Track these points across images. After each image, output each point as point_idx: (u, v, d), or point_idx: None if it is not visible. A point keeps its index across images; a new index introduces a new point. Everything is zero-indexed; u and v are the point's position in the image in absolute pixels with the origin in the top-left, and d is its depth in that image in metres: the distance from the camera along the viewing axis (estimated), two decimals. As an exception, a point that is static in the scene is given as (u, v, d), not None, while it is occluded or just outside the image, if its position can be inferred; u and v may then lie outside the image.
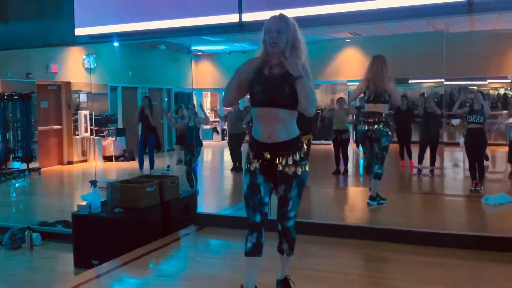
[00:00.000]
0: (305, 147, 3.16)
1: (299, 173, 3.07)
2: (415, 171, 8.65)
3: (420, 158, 8.51)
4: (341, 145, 8.64)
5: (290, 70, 2.95)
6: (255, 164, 3.10)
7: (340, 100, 8.96)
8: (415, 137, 8.96)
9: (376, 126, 5.91)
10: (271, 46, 3.00)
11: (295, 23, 3.05)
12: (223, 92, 3.25)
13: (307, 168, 3.13)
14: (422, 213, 6.15)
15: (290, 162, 3.06)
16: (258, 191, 3.12)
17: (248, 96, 3.13)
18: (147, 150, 8.77)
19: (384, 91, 5.86)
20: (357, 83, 6.40)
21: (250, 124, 11.17)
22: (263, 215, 3.14)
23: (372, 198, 6.07)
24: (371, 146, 6.06)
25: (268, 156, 3.06)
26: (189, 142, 7.77)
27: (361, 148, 6.48)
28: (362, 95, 6.18)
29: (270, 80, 3.01)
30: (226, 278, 4.04)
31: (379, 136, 5.92)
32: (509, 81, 12.91)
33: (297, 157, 3.07)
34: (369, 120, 5.95)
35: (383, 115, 5.92)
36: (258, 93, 3.03)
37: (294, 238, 3.27)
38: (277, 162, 3.06)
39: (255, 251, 3.16)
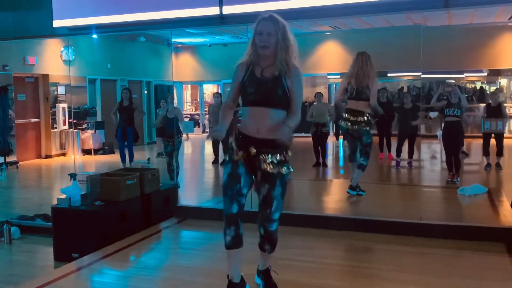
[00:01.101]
0: (290, 153, 3.14)
1: (282, 172, 3.07)
2: (393, 163, 8.79)
3: (398, 151, 8.64)
4: (321, 139, 8.73)
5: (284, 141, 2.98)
6: (238, 157, 3.09)
7: (319, 94, 9.05)
8: (394, 130, 9.10)
9: (356, 126, 5.99)
10: (262, 48, 3.01)
11: (285, 23, 3.05)
12: (226, 100, 3.24)
13: (290, 169, 3.12)
14: (400, 204, 6.26)
15: (275, 161, 3.05)
16: (238, 181, 3.08)
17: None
18: (126, 143, 8.70)
19: (366, 88, 5.90)
20: (337, 76, 6.47)
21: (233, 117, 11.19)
22: (240, 205, 3.10)
23: (352, 187, 6.16)
24: (353, 142, 6.18)
25: (254, 150, 3.05)
26: (169, 133, 7.76)
27: (341, 140, 6.53)
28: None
29: (263, 82, 3.03)
30: (207, 269, 4.07)
31: (360, 134, 6.02)
32: (486, 74, 13.15)
33: (282, 157, 3.07)
34: (351, 119, 6.01)
35: (365, 113, 5.96)
36: (251, 94, 3.05)
37: (277, 239, 3.26)
38: (261, 158, 3.04)
39: (235, 243, 3.15)
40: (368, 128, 6.02)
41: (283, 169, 3.07)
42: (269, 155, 3.04)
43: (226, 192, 3.12)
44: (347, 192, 6.19)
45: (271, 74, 3.05)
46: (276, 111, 3.03)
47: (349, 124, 6.01)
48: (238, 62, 3.17)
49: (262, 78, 3.05)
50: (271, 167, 3.05)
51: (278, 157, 3.05)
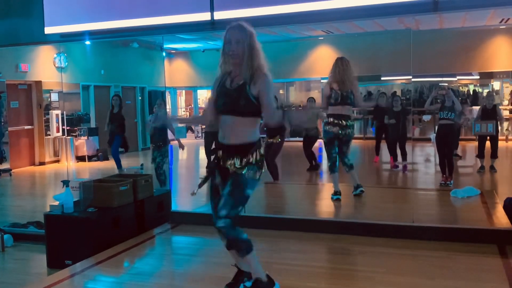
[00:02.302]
0: (258, 156, 3.18)
1: (238, 172, 3.13)
2: (400, 167, 8.79)
3: (396, 155, 8.66)
4: (310, 142, 8.76)
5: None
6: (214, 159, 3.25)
7: (311, 99, 9.10)
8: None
9: (346, 131, 6.04)
10: (231, 57, 3.11)
11: (252, 31, 3.14)
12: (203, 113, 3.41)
13: (253, 175, 3.16)
14: (392, 206, 6.26)
15: (236, 164, 3.13)
16: (217, 193, 3.24)
17: None
18: (122, 150, 8.68)
19: (350, 92, 5.96)
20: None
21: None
22: None
23: (358, 186, 6.24)
24: (340, 147, 6.17)
25: (220, 154, 3.21)
26: (157, 140, 7.75)
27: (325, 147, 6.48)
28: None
29: (229, 93, 3.15)
30: (201, 275, 4.07)
31: (348, 138, 6.10)
32: (478, 77, 13.24)
33: (244, 162, 3.13)
34: (339, 123, 6.03)
35: (351, 117, 6.05)
36: (220, 105, 3.19)
37: (234, 238, 3.19)
38: (227, 162, 3.16)
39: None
40: (353, 132, 6.14)
41: (243, 170, 3.12)
42: (232, 159, 3.15)
43: (211, 205, 3.31)
44: (357, 193, 6.22)
45: (237, 83, 3.15)
46: (241, 119, 3.13)
47: (339, 129, 6.05)
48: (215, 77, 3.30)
49: (230, 88, 3.17)
50: (231, 167, 3.15)
51: (240, 161, 3.14)
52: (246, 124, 3.15)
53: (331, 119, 6.09)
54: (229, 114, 3.14)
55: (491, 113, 8.31)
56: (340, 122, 6.04)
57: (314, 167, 8.74)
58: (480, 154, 8.37)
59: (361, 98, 6.16)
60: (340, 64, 5.97)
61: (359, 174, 6.43)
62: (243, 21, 3.17)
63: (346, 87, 5.94)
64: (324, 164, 9.96)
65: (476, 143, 8.67)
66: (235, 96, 3.11)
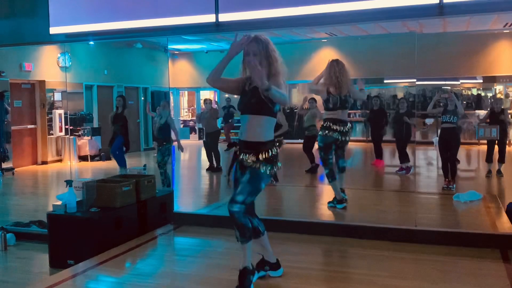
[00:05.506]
0: (271, 154, 3.48)
1: (254, 167, 3.46)
2: (391, 169, 8.77)
3: (403, 157, 8.63)
4: (308, 141, 8.74)
5: (257, 84, 3.30)
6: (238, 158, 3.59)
7: (311, 100, 9.05)
8: (388, 136, 9.13)
9: (346, 137, 5.90)
10: (250, 67, 3.40)
11: (268, 41, 3.52)
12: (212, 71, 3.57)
13: (269, 170, 3.48)
14: (395, 210, 6.27)
15: (253, 159, 3.46)
16: (235, 185, 3.60)
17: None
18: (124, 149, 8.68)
19: (348, 96, 5.86)
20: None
21: (226, 124, 11.25)
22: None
23: (342, 190, 6.06)
24: (336, 151, 6.02)
25: (237, 150, 3.59)
26: (160, 138, 7.79)
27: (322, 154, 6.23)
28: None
29: (246, 94, 3.58)
30: (203, 276, 4.07)
31: (345, 144, 6.00)
32: (481, 81, 13.21)
33: (260, 157, 3.46)
34: (338, 129, 5.86)
35: (347, 122, 5.91)
36: (240, 104, 3.63)
37: (242, 224, 3.47)
38: (242, 157, 3.53)
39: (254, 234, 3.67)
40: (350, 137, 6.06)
41: (260, 165, 3.45)
42: (248, 155, 3.49)
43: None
44: (336, 206, 6.01)
45: (252, 86, 3.48)
46: (256, 117, 3.48)
47: (339, 135, 5.87)
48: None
49: (247, 91, 3.58)
50: (248, 162, 3.49)
51: (256, 156, 3.46)
52: (260, 123, 3.47)
53: (330, 124, 5.88)
54: (246, 113, 3.52)
55: (499, 117, 8.26)
56: (339, 128, 5.86)
57: (314, 168, 8.69)
58: (489, 159, 8.30)
59: (356, 91, 6.07)
60: (336, 66, 5.81)
61: (361, 176, 6.39)
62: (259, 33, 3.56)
63: (344, 90, 5.80)
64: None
65: (479, 147, 8.65)
66: (249, 96, 3.50)
